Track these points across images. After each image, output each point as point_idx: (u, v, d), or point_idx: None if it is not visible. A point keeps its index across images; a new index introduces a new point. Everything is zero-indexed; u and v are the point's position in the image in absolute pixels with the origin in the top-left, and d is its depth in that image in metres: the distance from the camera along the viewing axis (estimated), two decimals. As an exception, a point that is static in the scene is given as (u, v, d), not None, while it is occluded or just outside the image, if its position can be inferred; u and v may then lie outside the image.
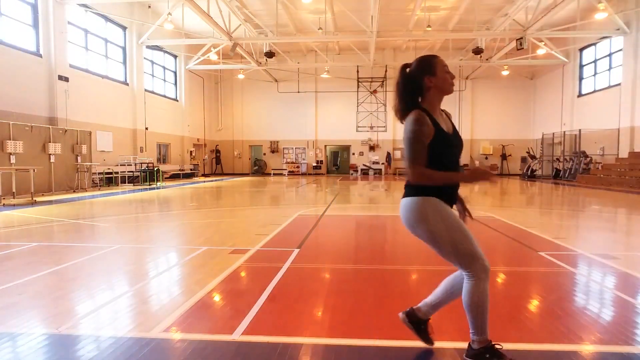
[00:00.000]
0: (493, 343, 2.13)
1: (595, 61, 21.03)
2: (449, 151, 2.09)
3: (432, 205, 2.05)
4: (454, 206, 2.25)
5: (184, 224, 7.34)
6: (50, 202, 10.57)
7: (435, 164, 2.03)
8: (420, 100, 2.13)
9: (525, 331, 2.63)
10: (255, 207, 10.32)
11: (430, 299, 2.38)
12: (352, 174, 27.13)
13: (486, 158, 27.92)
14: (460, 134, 2.23)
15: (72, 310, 3.02)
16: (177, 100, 24.84)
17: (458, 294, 2.24)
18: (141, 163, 18.50)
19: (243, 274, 4.07)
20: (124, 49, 19.43)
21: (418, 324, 2.38)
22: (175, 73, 24.79)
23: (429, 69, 2.09)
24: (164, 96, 23.34)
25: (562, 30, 18.75)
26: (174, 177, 22.62)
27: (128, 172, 17.85)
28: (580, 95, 22.12)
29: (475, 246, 2.05)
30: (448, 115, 2.25)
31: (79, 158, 14.44)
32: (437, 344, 2.44)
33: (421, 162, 2.01)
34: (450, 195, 2.13)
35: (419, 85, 2.10)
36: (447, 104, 21.78)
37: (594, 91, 20.89)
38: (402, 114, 2.12)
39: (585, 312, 2.95)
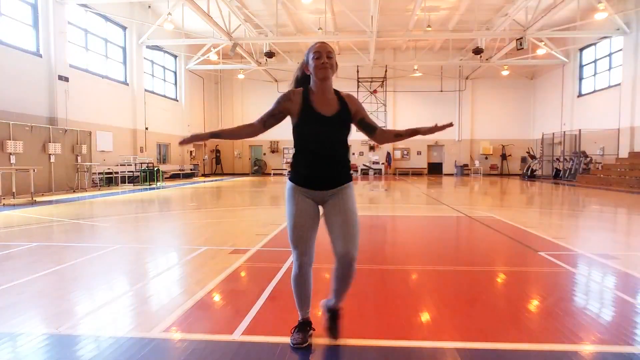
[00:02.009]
0: (299, 323, 2.46)
1: (595, 61, 21.03)
2: (312, 128, 2.27)
3: (289, 189, 2.36)
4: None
5: (184, 224, 7.34)
6: (50, 202, 10.57)
7: (298, 135, 2.31)
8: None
9: (525, 331, 2.63)
10: (255, 207, 10.33)
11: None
12: (352, 173, 27.21)
13: (486, 158, 27.93)
14: (344, 117, 2.34)
15: (72, 310, 3.02)
16: (177, 100, 24.84)
17: (337, 278, 2.36)
18: (141, 163, 18.49)
19: (243, 274, 4.07)
20: (124, 49, 19.43)
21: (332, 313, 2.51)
22: (175, 73, 24.78)
23: (305, 57, 2.36)
24: (164, 96, 23.33)
25: (562, 30, 18.74)
26: (174, 177, 22.63)
27: (128, 172, 17.85)
28: (580, 95, 22.12)
29: (300, 239, 2.30)
30: (344, 99, 2.39)
31: (79, 158, 14.44)
32: (437, 344, 2.44)
33: (260, 120, 2.33)
34: (306, 179, 2.31)
35: (299, 70, 2.44)
36: (448, 103, 21.82)
37: (594, 91, 20.89)
38: None
39: (585, 312, 2.95)
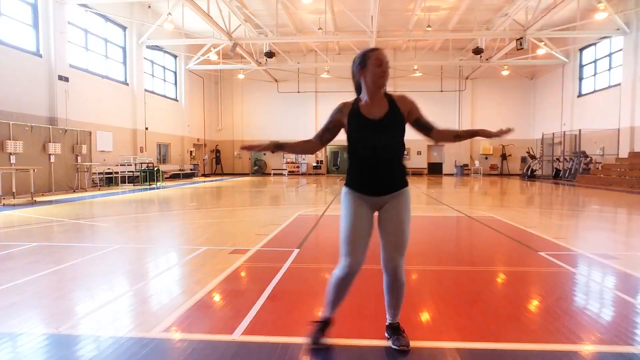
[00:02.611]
0: (322, 320, 2.40)
1: (595, 61, 21.03)
2: (362, 134, 2.24)
3: (344, 194, 2.34)
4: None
5: (184, 224, 7.34)
6: (50, 202, 10.57)
7: (351, 144, 2.28)
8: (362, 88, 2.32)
9: (525, 331, 2.63)
10: (255, 207, 10.32)
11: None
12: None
13: (486, 158, 27.92)
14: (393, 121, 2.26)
15: (72, 310, 3.02)
16: (177, 100, 24.84)
17: (386, 289, 2.40)
18: (141, 163, 18.49)
19: (243, 274, 4.07)
20: (124, 49, 19.43)
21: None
22: (175, 73, 24.79)
23: (362, 62, 2.25)
24: (164, 96, 23.33)
25: (562, 30, 18.74)
26: (174, 177, 22.62)
27: (128, 172, 17.85)
28: (580, 95, 22.12)
29: (351, 244, 2.25)
30: (394, 100, 2.30)
31: (79, 158, 14.44)
32: (437, 344, 2.45)
33: (317, 136, 2.38)
34: (360, 185, 2.28)
35: (356, 75, 2.31)
36: (448, 103, 21.84)
37: (594, 91, 20.89)
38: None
39: (585, 312, 2.95)
